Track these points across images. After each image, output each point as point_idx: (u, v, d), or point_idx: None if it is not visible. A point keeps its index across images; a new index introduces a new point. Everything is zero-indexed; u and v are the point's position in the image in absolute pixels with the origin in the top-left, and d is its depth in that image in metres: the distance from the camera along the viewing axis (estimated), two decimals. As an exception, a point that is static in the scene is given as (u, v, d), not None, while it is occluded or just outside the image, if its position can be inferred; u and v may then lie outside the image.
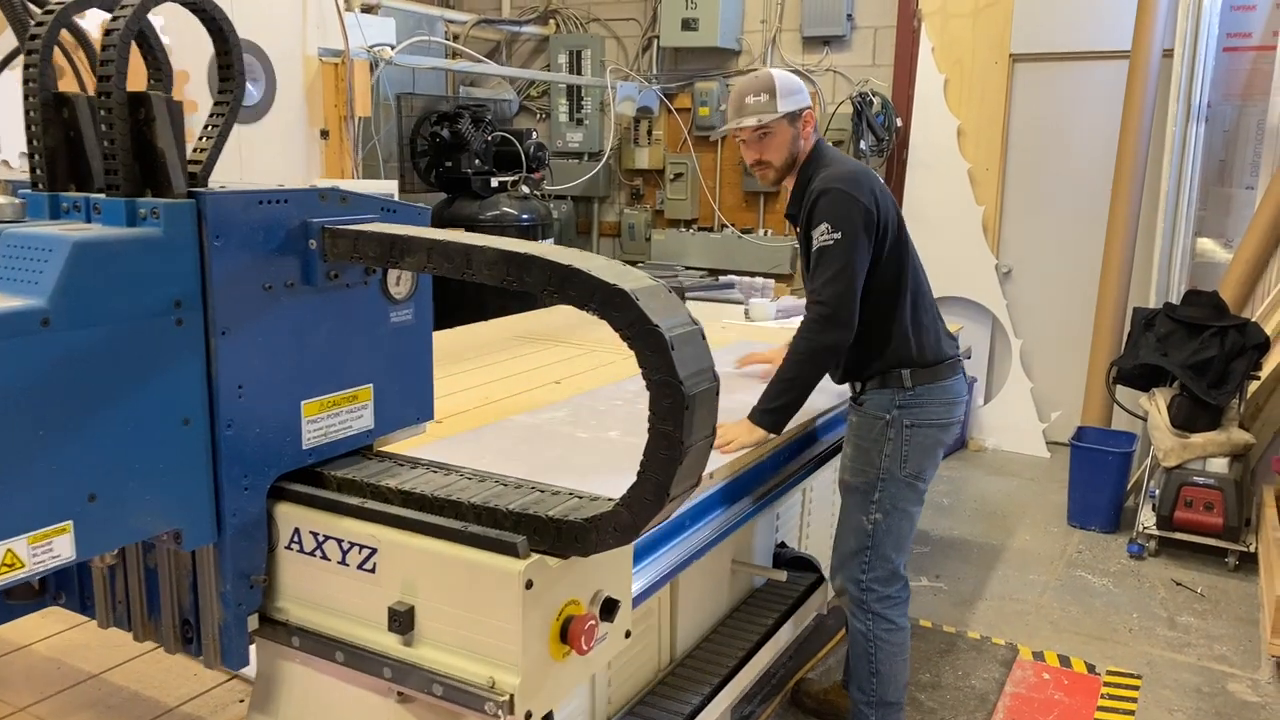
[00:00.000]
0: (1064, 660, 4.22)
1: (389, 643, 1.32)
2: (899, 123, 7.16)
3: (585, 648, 1.30)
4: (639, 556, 2.35)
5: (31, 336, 1.09)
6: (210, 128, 1.33)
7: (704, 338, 1.24)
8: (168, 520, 1.27)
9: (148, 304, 1.21)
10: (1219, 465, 5.20)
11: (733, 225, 7.99)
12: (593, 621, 1.32)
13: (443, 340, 5.00)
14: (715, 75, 7.97)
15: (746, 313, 5.49)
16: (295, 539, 1.39)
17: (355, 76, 5.30)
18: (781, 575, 3.53)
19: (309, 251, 1.38)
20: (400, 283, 1.55)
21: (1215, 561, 5.30)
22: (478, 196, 6.57)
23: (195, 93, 4.69)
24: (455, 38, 7.66)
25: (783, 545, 3.94)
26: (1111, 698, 3.94)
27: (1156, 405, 5.35)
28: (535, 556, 1.26)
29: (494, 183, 6.51)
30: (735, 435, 2.77)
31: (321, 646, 1.37)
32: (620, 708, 2.95)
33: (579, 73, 8.15)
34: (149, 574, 1.44)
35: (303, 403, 1.42)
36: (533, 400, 3.30)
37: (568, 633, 1.30)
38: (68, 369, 1.13)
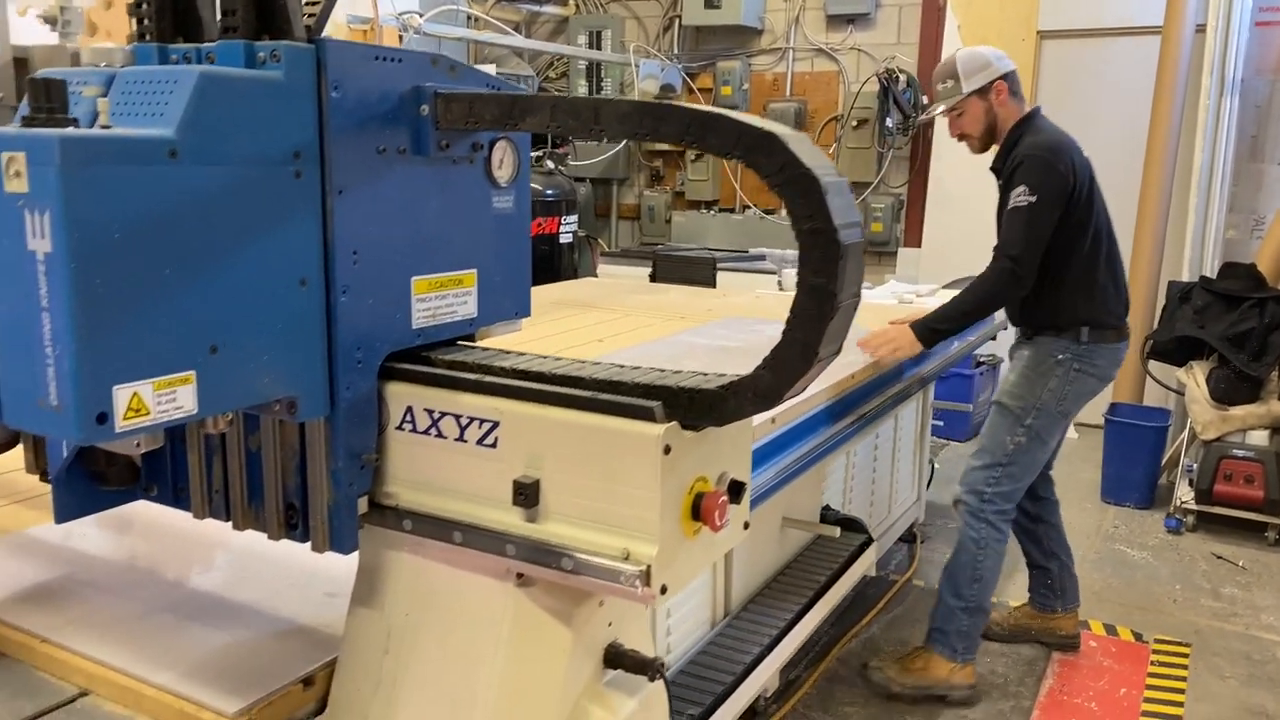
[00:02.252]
0: (1110, 629, 4.16)
1: (512, 519, 1.26)
2: (925, 100, 7.11)
3: (719, 524, 1.24)
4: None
5: (160, 167, 1.03)
6: (323, -20, 1.27)
7: (851, 190, 1.18)
8: (284, 386, 1.20)
9: (268, 150, 1.15)
10: (1259, 438, 5.14)
11: (755, 206, 7.93)
12: (724, 498, 1.25)
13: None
14: (738, 54, 7.92)
15: (780, 283, 5.45)
16: (407, 418, 1.33)
17: (382, 44, 5.24)
18: (835, 531, 3.47)
19: (420, 118, 1.32)
20: (503, 165, 1.49)
21: (1255, 536, 5.24)
22: (554, 146, 6.52)
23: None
24: (474, 20, 7.60)
25: (828, 508, 3.89)
26: (1162, 664, 3.88)
27: (1194, 378, 5.29)
28: (671, 423, 1.19)
29: (531, 160, 6.46)
30: (899, 341, 3.22)
31: (436, 528, 1.30)
32: (680, 656, 2.89)
33: (600, 52, 8.11)
34: (251, 457, 1.37)
35: (412, 279, 1.36)
36: (583, 354, 3.27)
37: (699, 509, 1.24)
38: (193, 207, 1.07)
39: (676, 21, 8.06)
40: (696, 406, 1.21)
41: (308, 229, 1.21)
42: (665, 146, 8.32)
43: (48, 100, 0.99)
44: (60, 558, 1.71)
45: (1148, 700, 3.65)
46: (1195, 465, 5.31)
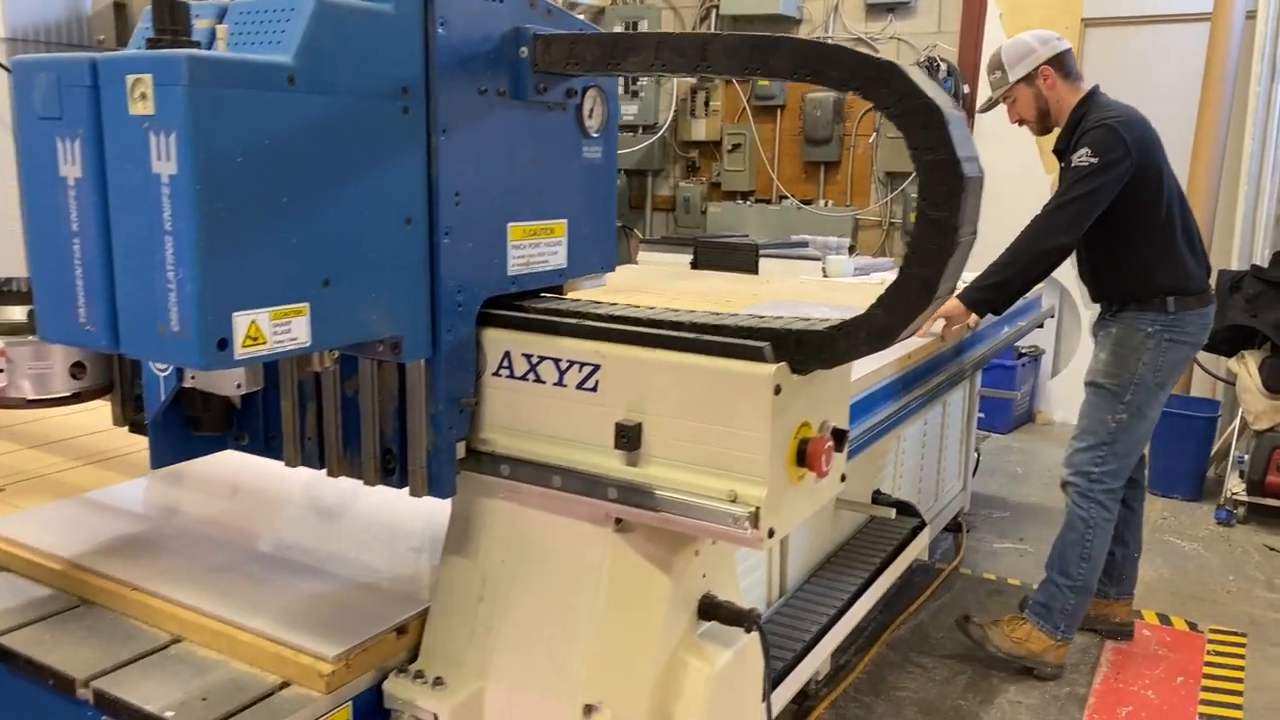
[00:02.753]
0: (1164, 619, 4.09)
1: (613, 463, 1.24)
2: (966, 90, 7.04)
3: (824, 469, 1.22)
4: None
5: (279, 93, 1.02)
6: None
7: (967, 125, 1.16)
8: (390, 324, 1.19)
9: (378, 84, 1.14)
10: (1312, 429, 5.05)
11: (792, 196, 7.89)
12: (829, 444, 1.23)
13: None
14: (775, 45, 7.89)
15: (824, 270, 5.40)
16: (505, 364, 1.32)
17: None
18: (890, 512, 3.44)
19: (519, 60, 1.31)
20: (594, 114, 1.47)
21: (1307, 527, 5.15)
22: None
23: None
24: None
25: (879, 492, 3.85)
26: (1219, 654, 3.81)
27: (1246, 368, 5.20)
28: (781, 363, 1.17)
29: (620, 112, 6.44)
30: (948, 311, 3.15)
31: (534, 473, 1.29)
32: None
33: (636, 44, 8.09)
34: (346, 403, 1.36)
35: (509, 225, 1.34)
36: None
37: (805, 455, 1.22)
38: (308, 137, 1.06)
39: (714, 11, 8.03)
40: (805, 348, 1.19)
41: (413, 167, 1.20)
42: (701, 137, 8.29)
43: (172, 22, 0.98)
44: (145, 512, 1.71)
45: (1206, 689, 3.59)
46: (1246, 456, 5.22)
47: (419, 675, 1.33)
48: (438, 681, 1.32)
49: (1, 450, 2.00)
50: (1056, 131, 3.40)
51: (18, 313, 1.31)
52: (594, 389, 1.26)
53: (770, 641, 2.92)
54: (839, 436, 1.28)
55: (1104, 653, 3.80)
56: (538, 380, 1.29)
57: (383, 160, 1.15)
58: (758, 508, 1.16)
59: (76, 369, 1.37)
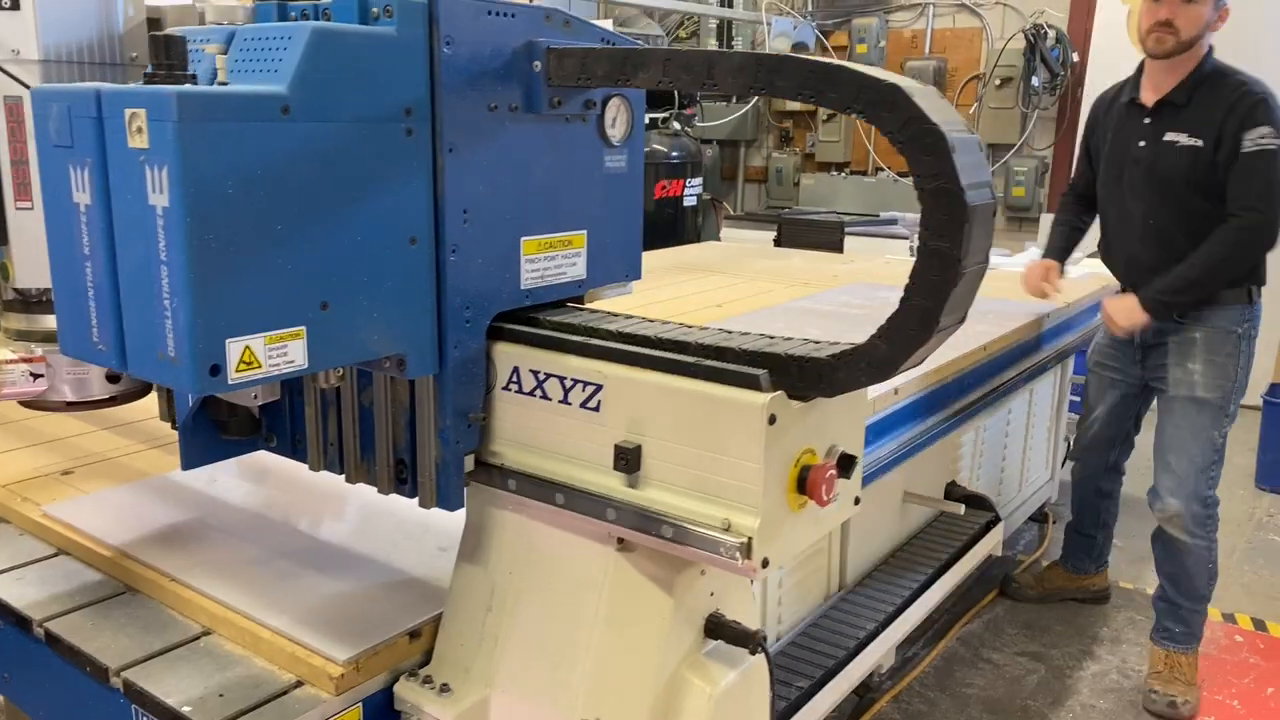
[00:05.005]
0: (1259, 624, 3.89)
1: (613, 484, 1.24)
2: (1075, 58, 6.70)
3: (826, 498, 1.19)
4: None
5: (273, 123, 1.04)
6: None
7: (982, 149, 1.10)
8: (393, 343, 1.21)
9: (380, 107, 1.15)
10: None
11: (889, 168, 7.67)
12: (832, 471, 1.20)
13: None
14: (874, 10, 7.63)
15: (911, 248, 5.25)
16: (514, 379, 1.32)
17: (515, 5, 5.27)
18: (959, 508, 3.35)
19: (533, 74, 1.30)
20: (616, 124, 1.46)
21: None
22: (680, 106, 6.49)
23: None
24: (606, -23, 7.56)
25: (953, 484, 3.76)
26: (1316, 666, 3.60)
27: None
28: (778, 392, 1.15)
29: (646, 119, 6.42)
30: (1126, 315, 3.02)
31: (539, 489, 1.30)
32: (790, 628, 2.85)
33: (732, 9, 7.95)
34: (363, 413, 1.40)
35: (522, 239, 1.35)
36: (699, 319, 3.26)
37: (805, 482, 1.19)
38: (305, 164, 1.08)
39: (814, -26, 7.84)
40: (806, 376, 1.17)
41: (418, 187, 1.21)
42: (796, 107, 8.12)
43: (167, 57, 1.01)
44: (194, 502, 1.79)
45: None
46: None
47: (427, 681, 1.37)
48: (444, 688, 1.35)
49: (76, 431, 2.12)
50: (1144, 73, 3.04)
51: (54, 321, 1.38)
52: (596, 409, 1.26)
53: (825, 635, 2.92)
54: (846, 462, 1.25)
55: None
56: (544, 397, 1.30)
57: (385, 182, 1.17)
58: (750, 538, 1.14)
59: (112, 373, 1.43)
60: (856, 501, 1.35)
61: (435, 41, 1.19)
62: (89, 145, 1.05)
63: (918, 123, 1.04)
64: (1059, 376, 4.61)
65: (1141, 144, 3.01)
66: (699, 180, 6.67)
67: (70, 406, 1.43)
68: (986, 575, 4.28)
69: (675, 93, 6.60)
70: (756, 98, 7.99)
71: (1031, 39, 6.64)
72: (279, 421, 1.52)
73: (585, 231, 1.44)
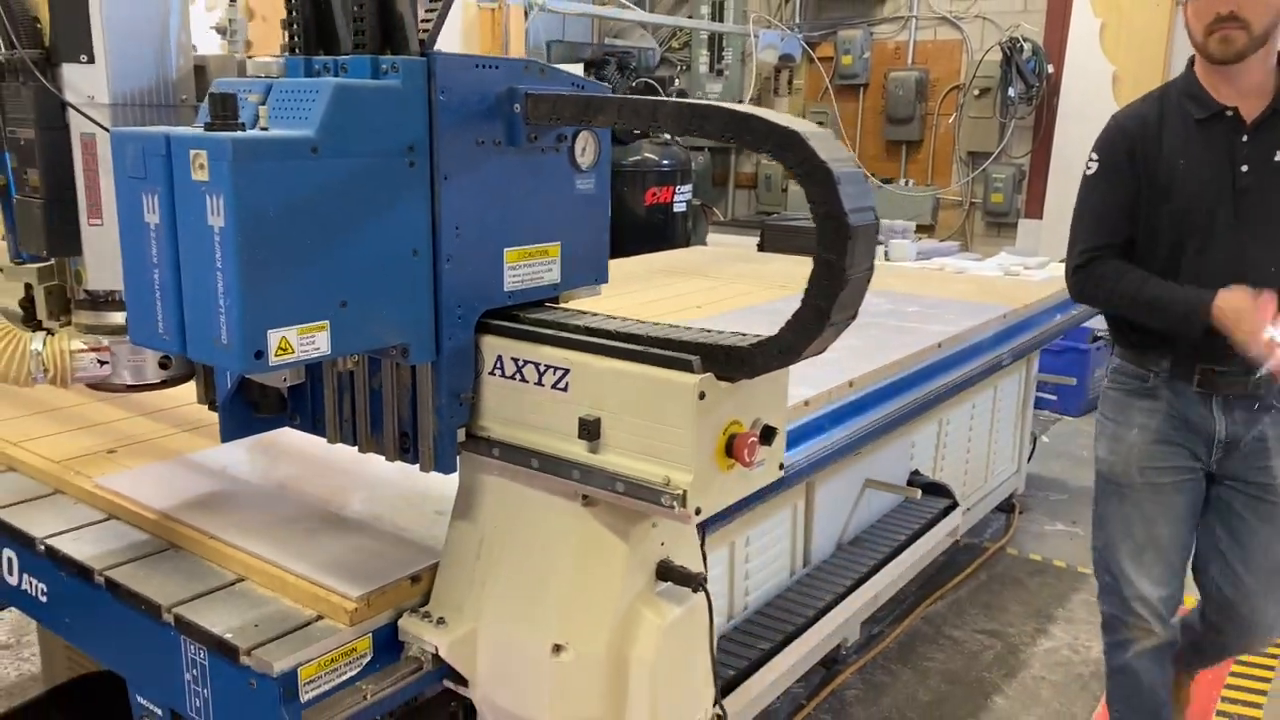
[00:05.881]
0: (1203, 604, 4.16)
1: (578, 450, 1.52)
2: (1050, 69, 6.99)
3: (748, 460, 1.47)
4: (795, 442, 2.59)
5: (305, 161, 1.32)
6: (433, 1, 1.54)
7: (867, 179, 1.38)
8: (399, 335, 1.50)
9: (388, 145, 1.43)
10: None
11: (873, 175, 7.97)
12: (754, 439, 1.49)
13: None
14: (859, 23, 7.93)
15: (886, 253, 5.53)
16: (498, 365, 1.61)
17: (510, 21, 5.56)
18: (915, 493, 3.63)
19: (514, 114, 1.58)
20: (585, 153, 1.74)
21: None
22: (620, 142, 6.77)
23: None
24: (602, -9, 7.85)
25: (916, 473, 4.03)
26: (1245, 663, 3.84)
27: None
28: (707, 374, 1.43)
29: (610, 148, 6.70)
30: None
31: (518, 455, 1.58)
32: (757, 600, 3.13)
33: (722, 23, 8.24)
34: (373, 394, 1.68)
35: (505, 250, 1.63)
36: (680, 318, 3.53)
37: (732, 447, 1.47)
38: (329, 191, 1.36)
39: (803, -12, 8.12)
40: (730, 361, 1.45)
41: (419, 209, 1.49)
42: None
43: (223, 110, 1.29)
44: (226, 476, 2.07)
45: (1230, 687, 3.66)
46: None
47: (426, 615, 1.65)
48: (440, 621, 1.64)
49: (115, 417, 2.40)
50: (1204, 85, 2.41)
51: (119, 317, 1.66)
52: (565, 389, 1.54)
53: (787, 606, 3.19)
54: (768, 433, 1.53)
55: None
56: (523, 380, 1.58)
57: (392, 205, 1.45)
58: (685, 491, 1.42)
59: (165, 361, 1.72)
60: (781, 467, 1.63)
61: (433, 91, 1.47)
62: (159, 177, 1.33)
63: (810, 161, 1.32)
64: (1024, 374, 4.89)
65: (1245, 169, 2.39)
66: (689, 187, 6.96)
67: (130, 389, 1.72)
68: (953, 561, 4.57)
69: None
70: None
71: (1007, 51, 6.94)
72: (302, 402, 1.80)
73: (559, 243, 1.73)
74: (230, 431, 1.80)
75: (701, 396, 1.42)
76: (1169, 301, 2.41)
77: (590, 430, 1.50)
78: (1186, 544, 2.69)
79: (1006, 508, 5.04)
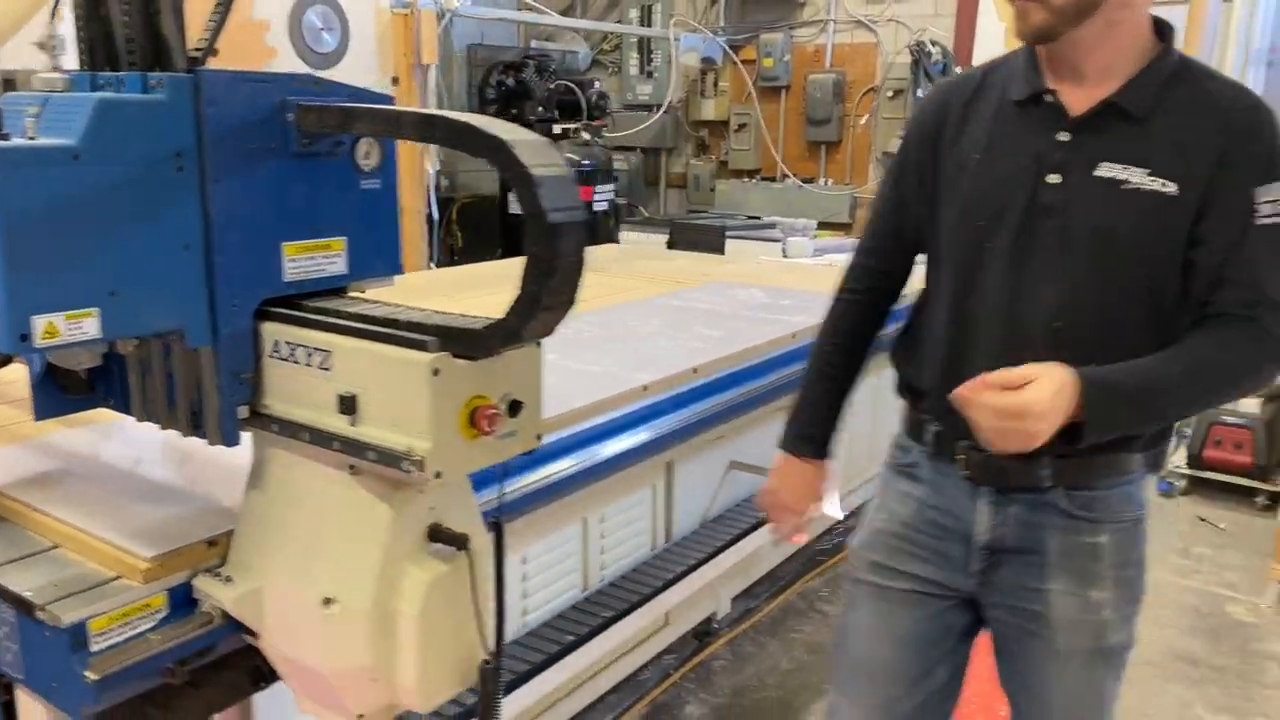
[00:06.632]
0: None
1: (340, 424, 1.70)
2: (959, 71, 7.24)
3: (488, 429, 1.66)
4: (635, 424, 2.83)
5: (65, 166, 1.50)
6: (211, 22, 1.72)
7: (575, 183, 1.58)
8: (175, 320, 1.67)
9: (154, 152, 1.61)
10: (1251, 405, 5.25)
11: (794, 175, 8.19)
12: (494, 411, 1.67)
13: (481, 270, 5.44)
14: (780, 26, 8.15)
15: (784, 250, 5.76)
16: (276, 348, 1.79)
17: (423, 27, 5.72)
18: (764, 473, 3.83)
19: (287, 124, 1.76)
20: (369, 155, 1.92)
21: (1245, 501, 5.37)
22: None
23: (275, 41, 5.19)
24: (528, -5, 8.02)
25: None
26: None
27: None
28: (443, 353, 1.62)
29: (556, 130, 6.89)
30: (1036, 407, 1.54)
31: (294, 430, 1.76)
32: (612, 573, 3.32)
33: (651, 26, 8.44)
34: (168, 376, 1.86)
35: (283, 244, 1.81)
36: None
37: (475, 419, 1.66)
38: (93, 193, 1.53)
39: (724, -7, 8.33)
40: (466, 341, 1.64)
41: (190, 208, 1.67)
42: (710, 116, 8.62)
43: (-12, 123, 1.47)
44: (59, 456, 2.24)
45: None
46: (1189, 431, 5.45)
47: (217, 574, 1.83)
48: (228, 579, 1.82)
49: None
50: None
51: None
52: (328, 369, 1.72)
53: (642, 578, 3.38)
54: (515, 406, 1.72)
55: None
56: (295, 361, 1.76)
57: (161, 205, 1.63)
58: (424, 457, 1.61)
59: (-21, 347, 1.89)
60: (538, 438, 1.82)
61: (200, 104, 1.65)
62: (-62, 180, 1.50)
63: (514, 167, 1.51)
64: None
65: (1054, 179, 1.75)
66: (610, 186, 7.15)
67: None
68: (834, 542, 4.78)
69: (584, 103, 7.07)
70: (668, 108, 8.48)
71: (916, 55, 7.17)
72: (110, 383, 1.97)
73: (345, 238, 1.91)
74: (44, 410, 1.97)
75: (436, 373, 1.61)
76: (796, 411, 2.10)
77: (348, 405, 1.69)
78: (918, 679, 1.98)
79: (896, 491, 5.25)
